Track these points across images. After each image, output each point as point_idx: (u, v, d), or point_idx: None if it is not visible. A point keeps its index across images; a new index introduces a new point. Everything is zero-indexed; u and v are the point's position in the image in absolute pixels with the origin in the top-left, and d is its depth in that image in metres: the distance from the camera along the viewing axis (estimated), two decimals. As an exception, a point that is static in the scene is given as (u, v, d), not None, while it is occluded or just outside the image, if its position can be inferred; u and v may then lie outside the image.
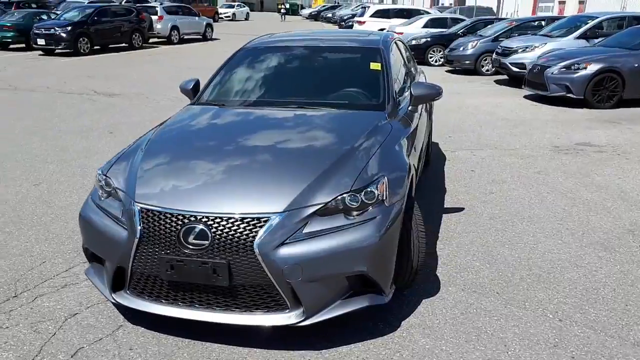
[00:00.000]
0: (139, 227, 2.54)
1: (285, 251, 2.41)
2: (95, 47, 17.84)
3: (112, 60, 16.17)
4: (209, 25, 23.59)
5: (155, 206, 2.56)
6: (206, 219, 2.48)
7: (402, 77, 4.34)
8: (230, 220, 2.46)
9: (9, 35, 17.82)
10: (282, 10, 45.55)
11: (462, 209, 4.53)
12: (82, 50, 17.12)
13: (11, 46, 18.41)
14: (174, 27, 21.42)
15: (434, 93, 3.80)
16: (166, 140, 3.24)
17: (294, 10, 57.36)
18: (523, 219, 4.33)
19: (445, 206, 4.62)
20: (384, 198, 2.67)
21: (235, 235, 2.44)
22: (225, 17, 41.17)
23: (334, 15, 40.05)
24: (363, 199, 2.61)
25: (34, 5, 23.40)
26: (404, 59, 4.64)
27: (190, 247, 2.47)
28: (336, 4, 54.40)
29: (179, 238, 2.48)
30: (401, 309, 3.01)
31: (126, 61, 15.89)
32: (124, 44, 19.11)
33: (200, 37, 23.39)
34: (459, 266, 3.53)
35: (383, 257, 2.62)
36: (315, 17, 47.84)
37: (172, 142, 3.23)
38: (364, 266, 2.53)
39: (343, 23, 31.56)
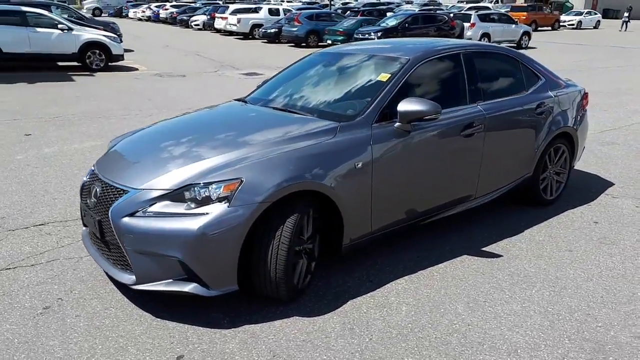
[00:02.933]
0: (85, 179, 3.41)
1: (128, 221, 2.86)
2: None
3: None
4: (526, 33, 22.51)
5: (97, 171, 3.36)
6: (101, 183, 3.14)
7: (451, 94, 3.94)
8: (109, 188, 3.07)
9: (339, 39, 21.06)
10: (624, 18, 36.34)
11: None
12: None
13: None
14: (485, 34, 21.31)
15: (424, 111, 3.37)
16: (152, 130, 3.87)
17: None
18: None
19: None
20: (227, 198, 2.79)
21: (107, 200, 3.03)
22: (569, 24, 37.72)
23: None
24: (203, 193, 2.81)
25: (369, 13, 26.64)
26: (470, 74, 4.07)
27: (89, 201, 3.19)
28: None
29: (89, 193, 3.23)
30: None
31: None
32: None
33: (515, 44, 22.55)
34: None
35: (206, 252, 2.77)
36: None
37: (153, 131, 3.82)
38: (179, 254, 2.76)
39: None
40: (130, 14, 45.61)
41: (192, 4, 39.43)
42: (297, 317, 3.01)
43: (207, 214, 2.77)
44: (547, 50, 21.62)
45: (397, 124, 3.46)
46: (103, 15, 49.02)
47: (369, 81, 3.79)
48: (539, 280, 3.48)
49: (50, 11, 17.98)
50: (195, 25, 31.78)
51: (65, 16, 18.67)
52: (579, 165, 6.08)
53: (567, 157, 4.91)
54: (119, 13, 48.68)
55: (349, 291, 3.31)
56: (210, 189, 2.83)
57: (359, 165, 3.24)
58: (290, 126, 3.42)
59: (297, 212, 2.97)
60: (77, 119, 8.27)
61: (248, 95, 4.46)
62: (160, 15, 38.28)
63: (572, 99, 4.89)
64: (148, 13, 40.81)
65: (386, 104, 3.51)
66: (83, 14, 20.72)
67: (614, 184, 5.47)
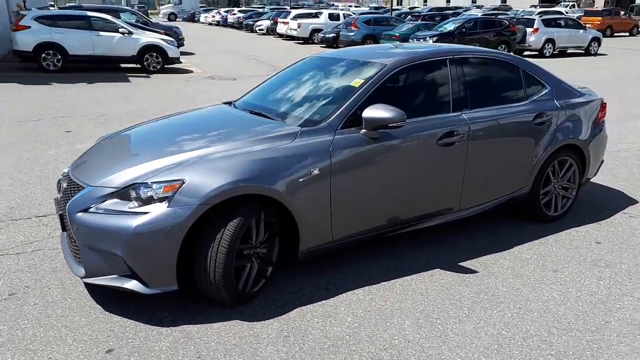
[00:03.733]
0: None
1: (82, 216, 2.98)
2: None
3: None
4: (595, 39, 21.23)
5: (69, 167, 3.53)
6: (67, 180, 3.30)
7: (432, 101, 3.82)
8: (72, 184, 3.21)
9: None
10: None
11: None
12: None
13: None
14: (549, 40, 20.32)
15: (388, 118, 3.27)
16: (128, 131, 3.98)
17: None
18: None
19: None
20: (167, 199, 2.85)
21: (68, 195, 3.18)
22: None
23: None
24: (146, 193, 2.88)
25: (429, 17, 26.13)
26: (456, 81, 3.90)
27: (57, 195, 3.36)
28: None
29: (58, 189, 3.40)
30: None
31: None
32: (486, 55, 19.50)
33: (583, 51, 21.36)
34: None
35: (144, 250, 2.83)
36: None
37: (128, 132, 3.94)
38: (119, 250, 2.85)
39: None
40: (202, 19, 47.42)
41: (259, 10, 40.41)
42: (238, 321, 3.01)
43: (147, 213, 2.84)
44: (616, 57, 20.30)
45: (363, 130, 3.38)
46: (177, 19, 51.32)
47: (344, 87, 3.73)
48: (505, 301, 3.28)
49: (119, 16, 19.11)
50: (260, 30, 32.54)
51: (133, 20, 19.78)
52: (605, 180, 5.67)
53: (576, 171, 4.60)
54: (192, 18, 50.76)
55: (301, 298, 3.26)
56: (152, 188, 2.89)
57: (316, 172, 3.19)
58: (255, 129, 3.43)
59: (240, 216, 2.96)
60: (118, 118, 8.69)
61: (240, 97, 4.51)
62: (228, 20, 39.52)
63: (584, 109, 4.57)
64: (217, 18, 42.26)
65: (354, 110, 3.44)
66: (150, 18, 21.73)
67: (637, 202, 5.05)
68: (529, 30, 20.13)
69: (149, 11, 57.82)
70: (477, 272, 3.64)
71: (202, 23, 46.59)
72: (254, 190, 3.00)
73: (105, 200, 2.96)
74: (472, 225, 4.38)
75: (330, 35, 24.23)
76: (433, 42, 18.34)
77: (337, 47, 24.11)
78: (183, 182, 2.89)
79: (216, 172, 2.96)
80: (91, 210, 2.96)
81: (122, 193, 2.95)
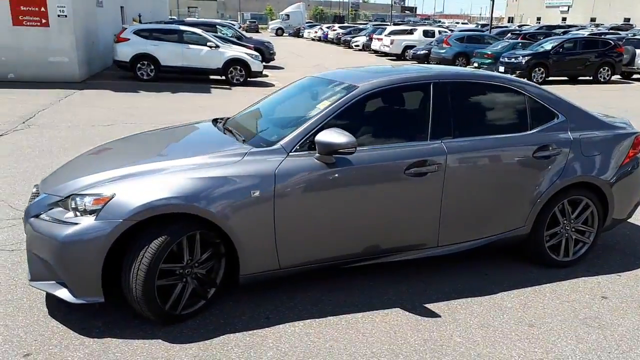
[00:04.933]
0: None
1: (32, 221, 3.13)
2: (551, 78, 17.75)
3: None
4: None
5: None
6: (35, 187, 3.50)
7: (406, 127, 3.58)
8: (35, 191, 3.40)
9: (486, 62, 19.97)
10: None
11: None
12: (534, 80, 17.46)
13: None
14: (663, 62, 18.32)
15: (337, 144, 3.10)
16: (111, 143, 4.13)
17: None
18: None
19: None
20: (96, 212, 2.91)
21: (31, 201, 3.37)
22: None
23: None
24: (81, 204, 2.97)
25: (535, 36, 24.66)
26: (433, 106, 3.60)
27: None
28: None
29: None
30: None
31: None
32: (587, 77, 18.06)
33: None
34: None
35: (69, 260, 2.91)
36: None
37: (109, 145, 4.07)
38: (50, 259, 2.95)
39: None
40: (305, 34, 48.82)
41: (360, 26, 40.75)
42: (160, 341, 2.98)
43: (77, 224, 2.91)
44: None
45: (316, 155, 3.23)
46: (284, 34, 53.30)
47: (312, 109, 3.60)
48: (448, 354, 2.94)
49: (216, 31, 20.22)
50: (356, 45, 32.78)
51: (229, 34, 20.84)
52: (653, 225, 4.95)
53: (594, 214, 4.04)
54: (297, 33, 52.45)
55: (235, 325, 3.17)
56: (84, 200, 2.97)
57: (256, 194, 3.10)
58: (212, 148, 3.42)
59: (166, 235, 2.95)
60: (177, 127, 9.14)
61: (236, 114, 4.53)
62: (328, 36, 40.29)
63: (608, 144, 4.02)
64: (319, 34, 43.26)
65: (311, 133, 3.30)
66: (244, 33, 22.76)
67: (682, 255, 4.34)
68: (638, 52, 18.30)
69: (260, 26, 60.72)
70: (439, 317, 3.31)
71: (306, 38, 47.95)
72: (184, 209, 2.97)
73: (52, 209, 3.08)
74: (463, 262, 4.02)
75: (422, 52, 23.80)
76: (525, 62, 17.31)
77: (428, 64, 23.62)
78: (113, 197, 2.94)
79: (147, 189, 2.97)
80: (41, 216, 3.10)
81: (65, 202, 3.05)
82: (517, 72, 17.46)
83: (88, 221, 2.90)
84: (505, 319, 3.31)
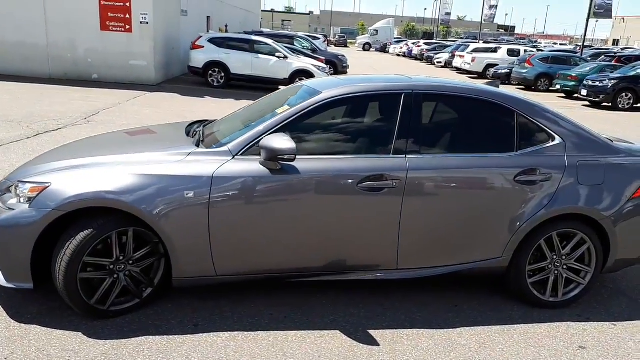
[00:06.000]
0: None
1: None
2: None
3: None
4: None
5: None
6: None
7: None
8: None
9: (569, 84, 18.72)
10: None
11: None
12: (620, 106, 16.11)
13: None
14: None
15: (277, 149, 2.95)
16: (96, 137, 4.21)
17: None
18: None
19: None
20: (30, 199, 2.97)
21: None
22: None
23: None
24: (20, 191, 3.05)
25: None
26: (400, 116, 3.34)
27: None
28: None
29: None
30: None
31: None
32: (685, 106, 16.35)
33: None
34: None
35: (1, 244, 2.97)
36: None
37: (92, 138, 4.16)
38: None
39: None
40: (391, 50, 48.57)
41: (445, 42, 39.86)
42: (79, 334, 2.98)
43: (12, 210, 2.99)
44: None
45: (261, 160, 3.10)
46: (371, 50, 53.41)
47: (275, 114, 3.45)
48: (365, 387, 2.67)
49: (293, 43, 20.63)
50: (438, 62, 32.06)
51: (307, 45, 21.19)
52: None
53: (592, 251, 3.56)
54: (383, 49, 52.36)
55: (160, 328, 3.09)
56: (25, 187, 3.04)
57: (189, 195, 3.02)
58: (163, 148, 3.38)
59: (92, 228, 2.94)
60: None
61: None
62: (413, 52, 39.77)
63: (615, 173, 3.53)
64: (404, 49, 42.84)
65: (262, 137, 3.17)
66: (318, 45, 22.99)
67: None
68: None
69: (349, 41, 61.32)
70: (377, 345, 3.04)
71: (391, 54, 47.69)
72: (112, 204, 2.95)
73: (5, 194, 3.19)
74: (435, 291, 3.69)
75: (503, 71, 22.77)
76: (611, 85, 16.00)
77: (509, 83, 22.56)
78: (48, 186, 2.98)
79: (82, 181, 2.99)
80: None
81: (10, 188, 3.15)
82: (601, 96, 16.19)
83: (21, 208, 2.96)
84: (451, 358, 2.96)
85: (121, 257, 3.09)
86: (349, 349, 2.98)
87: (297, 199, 3.13)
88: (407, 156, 3.28)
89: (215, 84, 15.59)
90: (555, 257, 3.54)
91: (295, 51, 18.44)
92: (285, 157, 2.97)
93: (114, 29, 14.80)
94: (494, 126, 3.50)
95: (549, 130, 3.52)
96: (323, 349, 2.96)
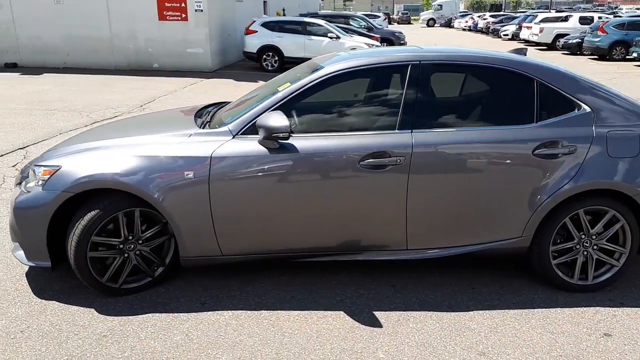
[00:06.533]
0: None
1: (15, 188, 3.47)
2: None
3: None
4: None
5: None
6: None
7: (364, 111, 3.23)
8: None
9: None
10: None
11: None
12: None
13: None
14: None
15: (272, 127, 2.91)
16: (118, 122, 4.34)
17: None
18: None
19: None
20: (44, 182, 3.12)
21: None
22: None
23: None
24: (36, 174, 3.21)
25: None
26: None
27: None
28: None
29: None
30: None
31: None
32: None
33: None
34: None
35: (21, 225, 3.13)
36: None
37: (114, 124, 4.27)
38: (11, 222, 3.23)
39: None
40: (456, 25, 46.81)
41: (513, 14, 37.85)
42: (91, 310, 3.10)
43: (29, 192, 3.15)
44: None
45: (259, 139, 3.07)
46: (435, 25, 51.83)
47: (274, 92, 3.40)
48: (358, 369, 2.60)
49: (349, 23, 20.41)
50: (504, 35, 30.54)
51: (363, 24, 20.90)
52: None
53: (627, 230, 3.26)
54: (448, 23, 50.58)
55: (167, 305, 3.16)
56: (40, 171, 3.19)
57: (189, 175, 3.04)
58: (169, 129, 3.39)
59: (99, 209, 3.04)
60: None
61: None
62: (478, 25, 38.12)
63: (652, 144, 3.20)
64: (469, 23, 41.14)
65: (254, 114, 3.14)
66: (374, 24, 22.52)
67: None
68: None
69: (412, 17, 59.76)
70: (379, 327, 2.95)
71: (456, 28, 45.99)
72: (116, 186, 3.03)
73: (27, 177, 3.37)
74: (455, 272, 3.55)
75: (574, 40, 21.34)
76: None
77: (580, 54, 21.17)
78: (58, 169, 3.11)
79: (89, 163, 3.09)
80: (20, 184, 3.41)
81: (31, 172, 3.31)
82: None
83: (36, 190, 3.11)
84: (456, 342, 2.83)
85: (130, 237, 3.18)
86: (349, 330, 2.91)
87: (297, 178, 3.08)
88: (414, 131, 3.13)
89: (269, 68, 15.71)
90: (584, 236, 3.28)
91: (350, 31, 18.20)
92: (280, 135, 2.92)
93: (171, 18, 15.22)
94: (511, 96, 3.26)
95: (574, 100, 3.24)
96: (323, 329, 2.92)
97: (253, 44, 15.76)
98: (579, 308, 3.17)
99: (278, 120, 2.91)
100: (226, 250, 3.19)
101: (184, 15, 15.25)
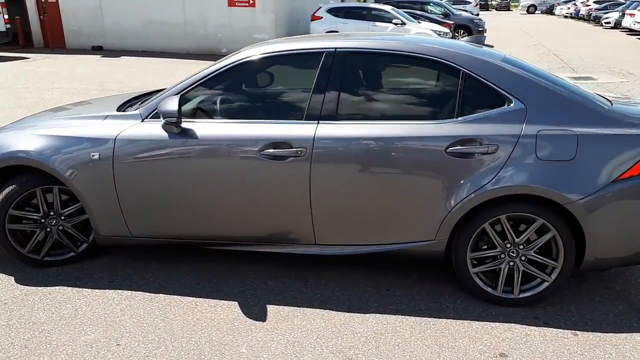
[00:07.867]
0: None
1: None
2: None
3: None
4: None
5: None
6: None
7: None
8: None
9: None
10: None
11: None
12: None
13: None
14: None
15: (163, 112, 2.92)
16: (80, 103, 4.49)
17: None
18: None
19: None
20: None
21: None
22: None
23: None
24: None
25: None
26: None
27: None
28: None
29: None
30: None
31: None
32: None
33: None
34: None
35: None
36: None
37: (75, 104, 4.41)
38: None
39: None
40: (557, 11, 43.52)
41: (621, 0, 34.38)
42: (10, 279, 3.30)
43: None
44: None
45: (162, 122, 3.09)
46: (536, 12, 48.71)
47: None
48: (209, 361, 2.55)
49: (425, 10, 19.81)
50: (606, 22, 27.90)
51: (440, 10, 20.18)
52: None
53: (559, 243, 2.90)
54: (550, 10, 47.21)
55: (77, 281, 3.27)
56: None
57: (95, 157, 3.13)
58: (98, 112, 3.45)
59: (16, 185, 3.22)
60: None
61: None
62: (580, 12, 35.17)
63: (596, 146, 2.80)
64: (572, 10, 38.06)
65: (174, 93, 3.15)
66: (452, 9, 21.53)
67: None
68: None
69: (513, 3, 56.50)
70: (262, 321, 2.87)
71: (557, 15, 42.78)
72: (29, 163, 3.18)
73: None
74: (382, 269, 3.37)
75: (680, 29, 19.04)
76: None
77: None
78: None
79: (10, 142, 3.27)
80: None
81: None
82: None
83: None
84: (328, 344, 2.68)
85: (51, 213, 3.33)
86: (229, 322, 2.86)
87: (195, 163, 3.05)
88: (320, 122, 2.97)
89: (333, 54, 15.64)
90: (509, 245, 2.95)
91: (423, 17, 17.63)
92: (172, 120, 2.91)
93: (239, 4, 15.62)
94: (432, 89, 3.00)
95: (505, 93, 2.90)
96: (205, 319, 2.89)
97: (318, 30, 15.78)
98: (491, 323, 2.87)
99: (169, 105, 2.90)
100: (135, 231, 3.25)
101: (252, 2, 15.59)
